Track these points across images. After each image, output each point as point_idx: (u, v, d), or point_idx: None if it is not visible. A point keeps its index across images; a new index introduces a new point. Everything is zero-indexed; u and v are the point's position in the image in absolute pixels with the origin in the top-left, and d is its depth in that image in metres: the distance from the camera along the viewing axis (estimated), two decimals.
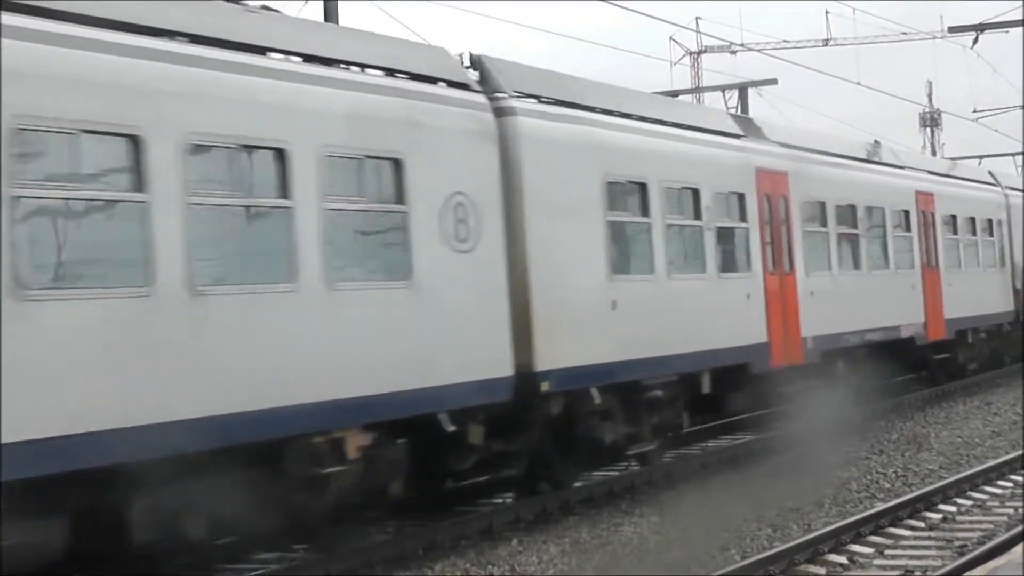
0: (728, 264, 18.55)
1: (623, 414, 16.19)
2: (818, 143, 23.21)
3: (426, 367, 12.85)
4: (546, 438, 15.21)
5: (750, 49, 55.09)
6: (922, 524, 14.18)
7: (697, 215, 17.85)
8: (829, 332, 21.20)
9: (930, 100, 79.51)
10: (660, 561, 12.79)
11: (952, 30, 33.83)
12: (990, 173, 33.93)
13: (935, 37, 47.49)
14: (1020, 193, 34.30)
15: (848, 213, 23.02)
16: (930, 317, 25.96)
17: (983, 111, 54.44)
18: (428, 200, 13.12)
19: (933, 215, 27.04)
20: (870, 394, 23.32)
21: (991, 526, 13.92)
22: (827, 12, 66.07)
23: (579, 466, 16.32)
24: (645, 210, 16.65)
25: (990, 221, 31.13)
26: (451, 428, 13.24)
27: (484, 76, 15.00)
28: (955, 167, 32.30)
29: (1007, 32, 33.69)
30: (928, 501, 15.04)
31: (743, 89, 42.49)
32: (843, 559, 12.61)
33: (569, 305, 14.95)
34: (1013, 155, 61.39)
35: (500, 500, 15.84)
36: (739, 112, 38.71)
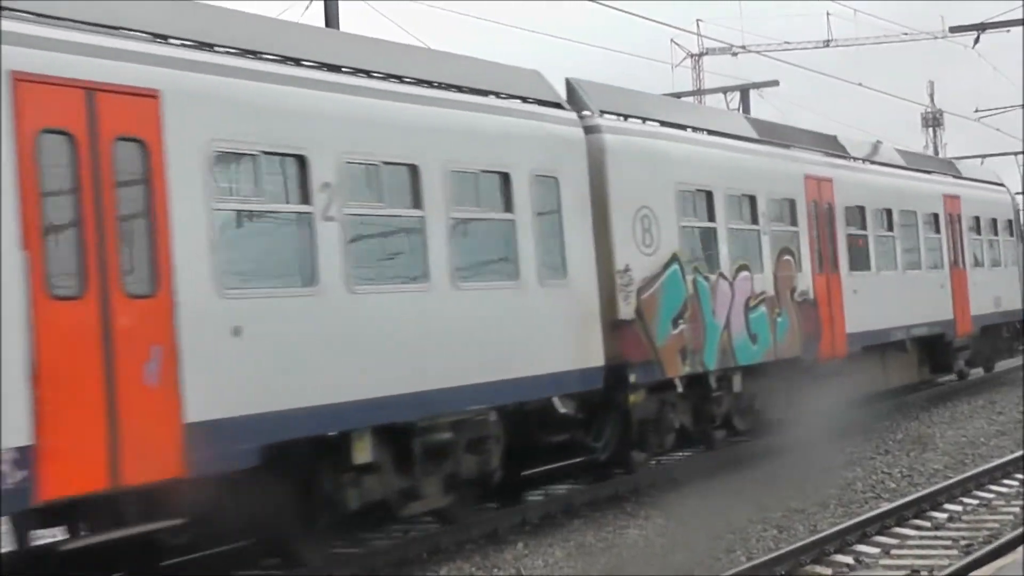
0: None
1: None
2: None
3: None
4: None
5: (751, 51, 55.15)
6: (928, 524, 14.15)
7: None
8: None
9: (932, 100, 79.63)
10: (666, 563, 12.77)
11: (953, 30, 33.85)
12: (569, 85, 16.59)
13: (936, 37, 47.51)
14: (633, 124, 17.23)
15: None
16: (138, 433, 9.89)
17: (985, 111, 54.51)
18: None
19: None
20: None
21: (997, 525, 13.90)
22: (828, 13, 66.23)
23: None
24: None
25: (504, 182, 14.22)
26: None
27: None
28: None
29: (1008, 31, 33.73)
30: (934, 501, 15.02)
31: (744, 91, 42.55)
32: (849, 559, 12.59)
33: None
34: (1016, 154, 61.46)
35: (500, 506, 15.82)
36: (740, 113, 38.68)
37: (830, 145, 23.62)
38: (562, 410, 14.83)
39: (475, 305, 13.59)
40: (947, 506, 14.94)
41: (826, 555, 12.66)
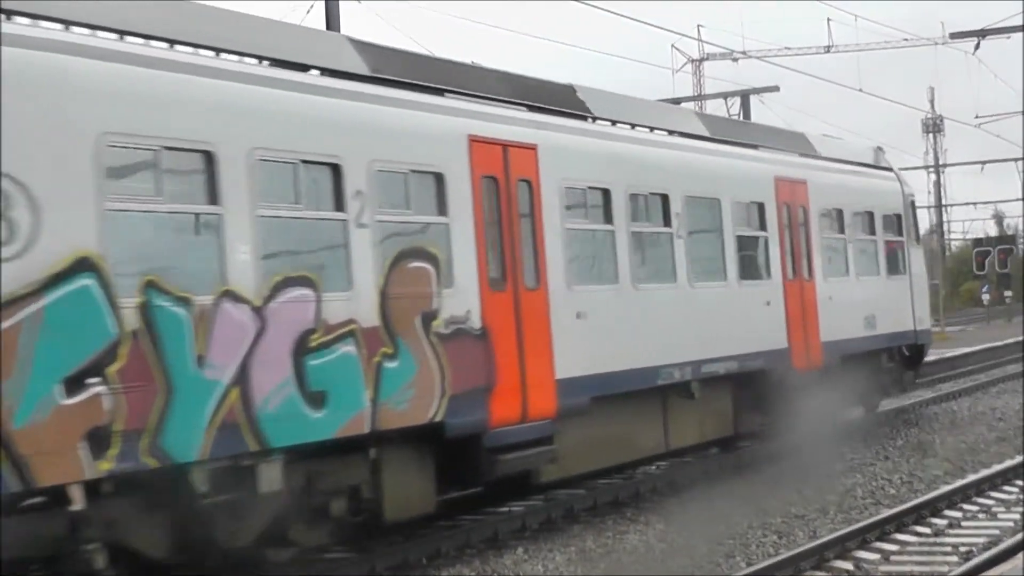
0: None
1: None
2: None
3: None
4: None
5: (752, 56, 55.20)
6: (928, 530, 14.14)
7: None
8: None
9: (932, 106, 79.73)
10: (666, 568, 12.77)
11: (954, 36, 33.97)
12: None
13: (937, 43, 47.50)
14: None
15: None
16: None
17: (985, 117, 54.68)
18: None
19: None
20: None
21: (997, 532, 13.88)
22: (828, 19, 66.35)
23: None
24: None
25: None
26: None
27: None
28: None
29: (1008, 38, 33.80)
30: (934, 507, 15.01)
31: (745, 96, 42.62)
32: (849, 566, 12.59)
33: None
34: (1016, 160, 61.56)
35: (506, 508, 15.81)
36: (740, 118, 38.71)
37: (550, 98, 15.63)
38: None
39: None
40: (947, 512, 14.92)
41: (826, 561, 12.66)
